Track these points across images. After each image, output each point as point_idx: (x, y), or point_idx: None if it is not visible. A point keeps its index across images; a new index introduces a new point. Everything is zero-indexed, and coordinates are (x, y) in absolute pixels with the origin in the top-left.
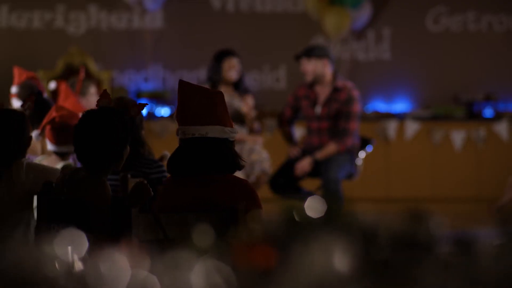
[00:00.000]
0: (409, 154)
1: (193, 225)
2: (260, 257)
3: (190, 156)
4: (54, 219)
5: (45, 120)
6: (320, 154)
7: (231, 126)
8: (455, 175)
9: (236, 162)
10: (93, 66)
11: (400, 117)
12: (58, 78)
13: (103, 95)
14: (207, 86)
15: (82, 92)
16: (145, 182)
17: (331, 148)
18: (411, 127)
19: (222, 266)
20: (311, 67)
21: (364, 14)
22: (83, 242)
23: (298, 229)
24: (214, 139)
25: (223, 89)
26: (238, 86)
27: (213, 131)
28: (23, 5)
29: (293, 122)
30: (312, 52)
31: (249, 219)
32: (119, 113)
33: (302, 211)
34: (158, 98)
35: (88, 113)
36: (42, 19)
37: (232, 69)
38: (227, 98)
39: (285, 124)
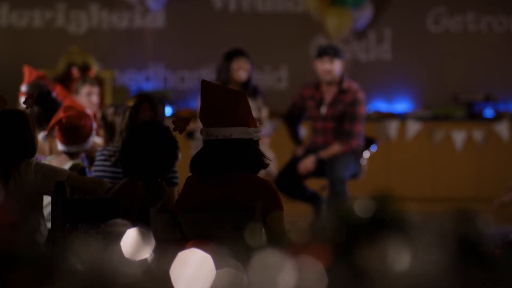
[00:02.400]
0: (410, 154)
1: (211, 224)
2: (316, 256)
3: (214, 157)
4: (80, 219)
5: (52, 121)
6: (324, 153)
7: (255, 126)
8: (455, 175)
9: (260, 162)
10: (95, 66)
11: (401, 117)
12: (59, 78)
13: (144, 109)
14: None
15: (75, 91)
16: (163, 182)
17: (335, 148)
18: (412, 127)
19: (314, 264)
20: (334, 67)
21: (365, 14)
22: (151, 241)
23: (359, 228)
24: (238, 140)
25: None
26: (247, 87)
27: (237, 132)
28: (24, 3)
29: (300, 121)
30: (339, 54)
31: (270, 221)
32: (166, 129)
33: (351, 210)
34: None
35: (137, 127)
36: (43, 18)
37: (240, 69)
38: None
39: (291, 123)
